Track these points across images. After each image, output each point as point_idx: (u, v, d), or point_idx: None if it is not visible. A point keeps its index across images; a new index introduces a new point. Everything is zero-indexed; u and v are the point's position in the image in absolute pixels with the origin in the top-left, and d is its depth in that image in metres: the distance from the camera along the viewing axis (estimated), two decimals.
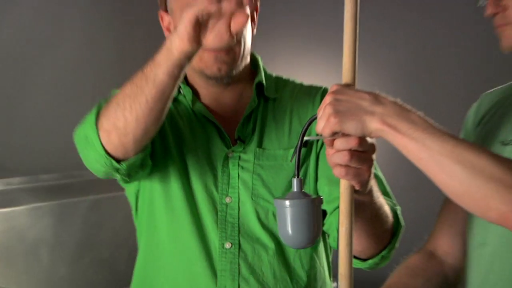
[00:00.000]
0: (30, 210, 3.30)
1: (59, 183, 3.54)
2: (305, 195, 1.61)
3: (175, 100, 2.02)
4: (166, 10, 2.03)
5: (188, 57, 1.64)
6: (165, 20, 2.03)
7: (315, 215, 1.60)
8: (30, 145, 3.50)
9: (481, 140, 1.84)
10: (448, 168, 1.45)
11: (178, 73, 1.66)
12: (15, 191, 3.33)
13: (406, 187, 3.29)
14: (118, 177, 1.87)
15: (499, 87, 1.98)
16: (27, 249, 3.26)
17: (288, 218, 1.59)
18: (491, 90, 2.00)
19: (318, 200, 1.62)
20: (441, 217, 1.99)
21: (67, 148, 3.55)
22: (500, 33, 1.73)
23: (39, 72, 3.62)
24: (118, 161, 1.78)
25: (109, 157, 1.76)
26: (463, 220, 1.90)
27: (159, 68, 1.66)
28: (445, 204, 1.97)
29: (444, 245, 1.97)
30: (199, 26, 1.60)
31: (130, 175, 1.88)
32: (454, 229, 1.96)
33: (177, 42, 1.62)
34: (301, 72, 4.25)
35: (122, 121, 1.70)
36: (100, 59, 3.97)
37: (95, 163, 1.80)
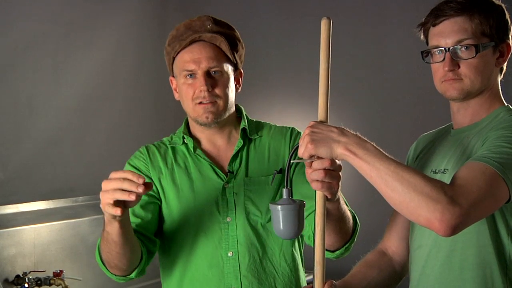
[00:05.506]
0: (90, 221, 3.27)
1: None
2: (293, 201, 1.63)
3: (182, 146, 2.02)
4: (173, 76, 2.02)
5: (123, 220, 1.69)
6: (173, 83, 2.02)
7: (299, 215, 1.62)
8: (90, 173, 3.47)
9: (419, 169, 1.81)
10: (390, 184, 1.47)
11: (124, 228, 1.71)
12: (80, 206, 3.32)
13: (365, 203, 3.26)
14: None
15: (432, 130, 1.99)
16: (88, 250, 3.22)
17: (280, 218, 1.61)
18: (426, 133, 2.01)
19: (302, 205, 1.63)
20: (390, 225, 1.99)
21: None
22: (451, 85, 1.72)
23: (98, 119, 3.60)
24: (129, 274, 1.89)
25: (120, 277, 1.89)
26: (407, 228, 1.92)
27: (110, 236, 1.73)
28: (393, 216, 1.97)
29: (393, 246, 1.97)
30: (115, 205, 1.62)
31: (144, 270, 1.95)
32: (399, 235, 1.95)
33: (110, 223, 1.70)
34: (288, 111, 4.19)
35: (115, 263, 1.82)
36: (143, 111, 3.90)
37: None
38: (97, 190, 3.32)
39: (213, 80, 1.92)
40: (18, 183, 3.10)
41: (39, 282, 2.88)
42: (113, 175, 1.61)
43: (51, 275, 2.94)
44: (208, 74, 1.92)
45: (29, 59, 3.21)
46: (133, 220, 1.90)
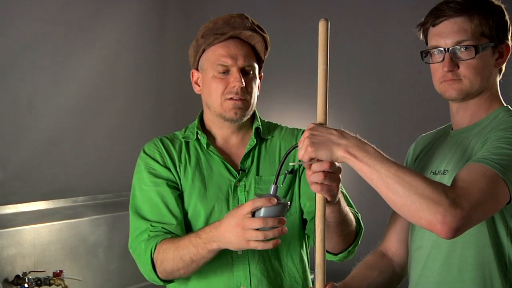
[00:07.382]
0: (90, 221, 3.28)
1: (112, 201, 3.50)
2: (278, 198, 1.64)
3: (195, 141, 2.02)
4: (196, 68, 2.02)
5: None
6: (195, 76, 2.02)
7: (280, 215, 1.64)
8: (90, 173, 3.48)
9: (418, 170, 1.83)
10: (391, 186, 1.47)
11: None
12: (80, 206, 3.32)
13: (365, 205, 3.25)
14: None
15: (431, 131, 1.98)
16: (88, 249, 3.24)
17: (261, 213, 1.64)
18: (424, 134, 2.00)
19: (285, 204, 1.65)
20: (389, 227, 1.99)
21: (117, 176, 3.55)
22: (450, 85, 1.72)
23: (98, 119, 3.59)
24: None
25: (158, 279, 1.91)
26: (406, 229, 1.92)
27: (206, 259, 1.81)
28: (392, 217, 1.98)
29: (392, 247, 1.97)
30: None
31: None
32: (399, 236, 1.95)
33: (214, 252, 1.78)
34: (288, 111, 4.20)
35: (178, 274, 1.86)
36: (143, 111, 3.90)
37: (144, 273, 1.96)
38: (97, 190, 3.29)
39: (246, 77, 1.94)
40: (18, 183, 3.10)
41: (39, 282, 2.88)
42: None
43: (51, 275, 2.94)
44: (242, 71, 1.93)
45: (29, 59, 3.20)
46: (176, 220, 1.93)
